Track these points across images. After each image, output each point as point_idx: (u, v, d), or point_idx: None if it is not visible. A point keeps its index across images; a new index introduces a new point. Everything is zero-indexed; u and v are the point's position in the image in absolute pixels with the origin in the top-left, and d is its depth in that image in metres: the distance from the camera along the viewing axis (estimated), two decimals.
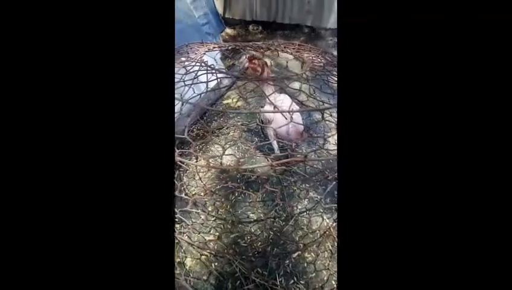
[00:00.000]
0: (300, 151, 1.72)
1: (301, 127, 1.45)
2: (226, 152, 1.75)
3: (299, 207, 1.43)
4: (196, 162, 1.72)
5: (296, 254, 1.22)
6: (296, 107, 1.37)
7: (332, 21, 3.90)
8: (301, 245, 1.25)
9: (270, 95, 1.54)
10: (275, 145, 1.55)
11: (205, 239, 1.27)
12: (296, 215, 1.38)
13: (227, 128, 2.00)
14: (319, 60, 1.14)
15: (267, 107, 1.53)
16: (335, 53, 1.16)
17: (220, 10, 4.29)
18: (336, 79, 0.96)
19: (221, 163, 1.70)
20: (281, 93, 1.38)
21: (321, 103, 1.24)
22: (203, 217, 1.37)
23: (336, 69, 1.04)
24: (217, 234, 1.29)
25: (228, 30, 4.37)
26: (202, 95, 1.04)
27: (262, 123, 1.60)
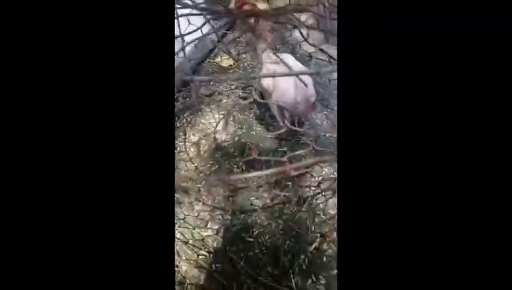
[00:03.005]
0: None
1: (312, 94, 1.14)
2: (220, 124, 1.46)
3: (312, 188, 1.20)
4: (185, 138, 1.44)
5: (312, 247, 1.01)
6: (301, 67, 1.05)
7: None
8: (317, 236, 1.04)
9: (265, 51, 1.20)
10: (280, 119, 1.25)
11: (202, 235, 1.05)
12: (310, 199, 1.15)
13: (218, 94, 1.68)
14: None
15: (264, 71, 1.20)
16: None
17: None
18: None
19: (215, 138, 1.42)
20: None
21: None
22: (197, 207, 1.14)
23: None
24: (216, 228, 1.07)
25: None
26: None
27: (261, 95, 1.28)
